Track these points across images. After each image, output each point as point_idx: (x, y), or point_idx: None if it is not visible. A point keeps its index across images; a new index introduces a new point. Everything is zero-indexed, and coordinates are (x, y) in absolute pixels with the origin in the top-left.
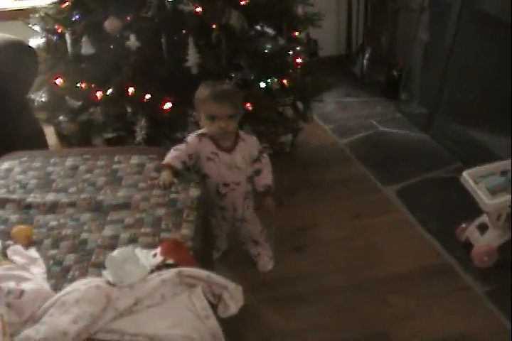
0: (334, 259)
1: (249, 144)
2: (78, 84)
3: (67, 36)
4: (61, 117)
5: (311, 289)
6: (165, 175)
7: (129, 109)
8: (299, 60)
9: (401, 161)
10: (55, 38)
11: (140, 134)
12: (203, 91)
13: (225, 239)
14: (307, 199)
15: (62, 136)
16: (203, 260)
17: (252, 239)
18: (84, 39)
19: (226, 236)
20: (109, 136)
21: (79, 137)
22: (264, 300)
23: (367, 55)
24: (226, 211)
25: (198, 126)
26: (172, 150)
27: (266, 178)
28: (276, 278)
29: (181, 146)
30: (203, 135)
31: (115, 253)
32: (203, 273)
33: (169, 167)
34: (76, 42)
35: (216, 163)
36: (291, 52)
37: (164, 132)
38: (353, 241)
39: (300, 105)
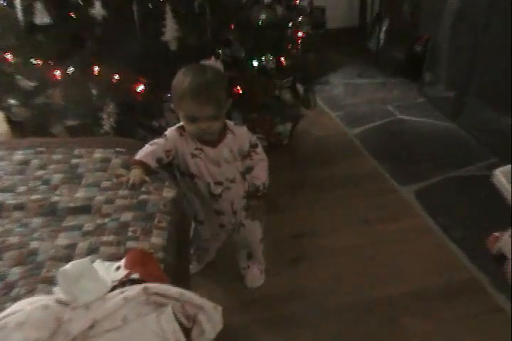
0: (338, 273)
1: (239, 136)
2: (32, 61)
3: (18, 1)
4: (11, 100)
5: (309, 309)
6: (135, 174)
7: (94, 92)
8: (300, 34)
9: (422, 156)
10: (2, 2)
11: (108, 122)
12: (180, 83)
13: (214, 251)
14: (308, 201)
15: (13, 124)
16: (177, 274)
17: (246, 248)
18: (38, 5)
19: (217, 248)
20: (71, 123)
21: (34, 124)
22: (254, 321)
23: (384, 27)
24: (224, 216)
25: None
26: (147, 145)
27: (257, 177)
28: (269, 295)
29: (159, 141)
30: (183, 129)
31: (69, 265)
32: (174, 290)
33: (141, 164)
34: (29, 8)
35: (202, 159)
36: (290, 24)
37: (137, 120)
38: (362, 251)
39: (301, 88)
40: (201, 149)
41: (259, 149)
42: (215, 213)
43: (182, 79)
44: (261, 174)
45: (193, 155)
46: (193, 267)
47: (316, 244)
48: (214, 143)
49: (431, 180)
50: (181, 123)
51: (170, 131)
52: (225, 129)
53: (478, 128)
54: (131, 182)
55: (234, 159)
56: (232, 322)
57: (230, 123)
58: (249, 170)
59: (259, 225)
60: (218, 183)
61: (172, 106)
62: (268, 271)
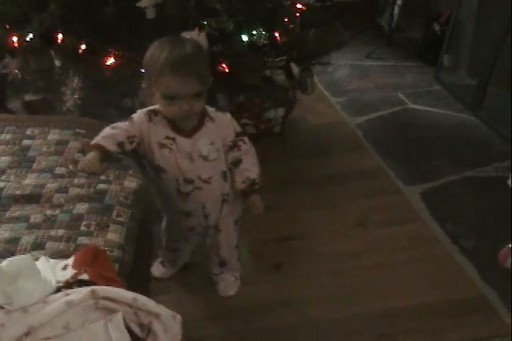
0: (327, 283)
1: (221, 125)
2: None
3: None
4: None
5: (291, 322)
6: (89, 158)
7: (57, 63)
8: (299, 6)
9: (433, 152)
10: None
11: (71, 98)
12: (156, 57)
13: (188, 253)
14: (298, 199)
15: None
16: (133, 277)
17: (218, 255)
18: None
19: (190, 251)
20: (30, 98)
21: None
22: (226, 334)
23: (399, 1)
24: (193, 217)
25: None
26: (108, 128)
27: (249, 170)
28: (247, 305)
29: (122, 124)
30: (154, 113)
31: (6, 262)
32: (127, 295)
33: (99, 148)
34: None
35: (173, 150)
36: None
37: (106, 98)
38: (357, 259)
39: (297, 68)
40: (173, 139)
41: (247, 138)
42: (182, 214)
43: (158, 52)
44: (253, 166)
45: (162, 145)
46: (165, 270)
47: (304, 249)
48: (190, 132)
49: (441, 180)
50: (155, 106)
51: (138, 115)
52: (203, 115)
53: (500, 122)
54: (83, 167)
55: (217, 154)
56: (201, 335)
57: (209, 109)
58: (237, 163)
59: (236, 232)
60: (188, 181)
61: (144, 85)
62: (247, 277)
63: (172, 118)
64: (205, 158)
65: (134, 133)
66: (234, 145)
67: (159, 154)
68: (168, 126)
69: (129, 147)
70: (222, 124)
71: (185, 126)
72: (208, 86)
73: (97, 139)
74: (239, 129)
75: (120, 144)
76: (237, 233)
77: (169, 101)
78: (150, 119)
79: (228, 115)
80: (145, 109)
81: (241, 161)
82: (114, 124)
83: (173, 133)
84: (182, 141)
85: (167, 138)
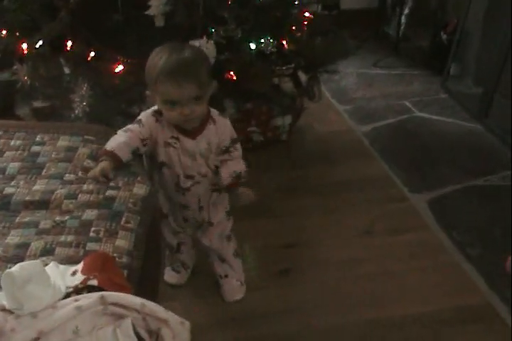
0: (332, 290)
1: (221, 128)
2: None
3: None
4: None
5: (296, 329)
6: (102, 167)
7: (66, 70)
8: (307, 14)
9: (440, 160)
10: None
11: (80, 105)
12: (154, 64)
13: (192, 250)
14: (304, 206)
15: None
16: (142, 283)
17: (213, 251)
18: None
19: (192, 245)
20: (39, 105)
21: None
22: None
23: (406, 11)
24: (188, 210)
25: None
26: (120, 132)
27: (235, 165)
28: (251, 312)
29: (133, 127)
30: (160, 114)
31: (16, 267)
32: (135, 300)
33: (112, 156)
34: None
35: (177, 149)
36: (297, 3)
37: (114, 105)
38: (362, 266)
39: (304, 76)
40: (177, 138)
41: (239, 145)
42: (179, 206)
43: (156, 59)
44: (239, 163)
45: (167, 144)
46: (179, 276)
47: (309, 256)
48: (194, 133)
49: (448, 188)
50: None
51: (145, 116)
52: (207, 117)
53: (506, 131)
54: (96, 174)
55: (209, 152)
56: None
57: (214, 111)
58: (223, 162)
59: (228, 220)
60: (189, 177)
61: (147, 92)
62: (252, 283)
63: (174, 122)
64: (202, 156)
65: (147, 135)
66: (226, 151)
67: (163, 151)
68: (173, 126)
69: (143, 150)
70: (222, 127)
71: (188, 126)
72: (211, 90)
73: (112, 146)
74: (235, 136)
75: (135, 150)
76: (230, 224)
77: (170, 106)
78: (157, 120)
79: (227, 120)
80: (150, 110)
81: (227, 161)
82: (126, 127)
83: (178, 133)
84: (186, 141)
85: (172, 137)
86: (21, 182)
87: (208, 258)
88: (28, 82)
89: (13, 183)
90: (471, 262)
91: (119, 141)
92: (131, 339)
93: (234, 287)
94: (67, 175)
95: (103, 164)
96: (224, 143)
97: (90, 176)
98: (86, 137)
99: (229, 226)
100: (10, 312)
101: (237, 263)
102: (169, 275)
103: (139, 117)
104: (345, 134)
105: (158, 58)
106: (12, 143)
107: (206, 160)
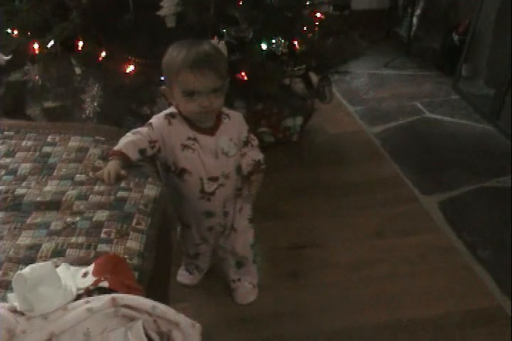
0: (342, 292)
1: (236, 121)
2: (8, 31)
3: None
4: None
5: (305, 332)
6: (111, 166)
7: (77, 70)
8: (318, 15)
9: (451, 162)
10: None
11: (91, 106)
12: (174, 57)
13: (209, 257)
14: (314, 207)
15: None
16: (153, 285)
17: (235, 257)
18: None
19: (211, 254)
20: (50, 105)
21: (7, 104)
22: None
23: (418, 11)
24: (214, 217)
25: None
26: (129, 134)
27: (255, 154)
28: (261, 313)
29: (142, 129)
30: (172, 116)
31: (28, 269)
32: (146, 302)
33: (120, 155)
34: None
35: (196, 151)
36: (308, 3)
37: (125, 105)
38: (372, 268)
39: (315, 77)
40: (195, 139)
41: (253, 134)
42: (203, 215)
43: (176, 51)
44: (257, 151)
45: (184, 147)
46: (193, 277)
47: (319, 258)
48: (211, 131)
49: (459, 190)
50: (170, 109)
51: (156, 119)
52: (220, 113)
53: None
54: (105, 175)
55: (235, 150)
56: None
57: (224, 108)
58: (244, 154)
59: (251, 230)
60: (213, 179)
61: (163, 88)
62: (262, 285)
63: (191, 116)
64: (226, 154)
65: (156, 138)
66: (247, 142)
67: (182, 156)
68: (188, 126)
69: (150, 152)
70: (237, 120)
71: (205, 125)
72: (227, 85)
73: (119, 145)
74: (247, 126)
75: (142, 151)
76: (253, 231)
77: (189, 97)
78: (170, 123)
79: (238, 112)
80: (162, 114)
81: (248, 152)
82: (135, 129)
83: (194, 132)
84: (205, 140)
85: (189, 138)
86: (32, 183)
87: (221, 263)
88: (39, 82)
89: (24, 184)
90: (482, 264)
91: (126, 140)
92: None
93: (247, 290)
94: (78, 175)
95: (110, 163)
96: (243, 134)
97: (96, 176)
98: (97, 138)
99: (252, 233)
100: (21, 313)
101: (254, 268)
102: (182, 276)
103: (150, 120)
104: (356, 135)
105: (178, 51)
106: (23, 143)
107: (230, 158)
